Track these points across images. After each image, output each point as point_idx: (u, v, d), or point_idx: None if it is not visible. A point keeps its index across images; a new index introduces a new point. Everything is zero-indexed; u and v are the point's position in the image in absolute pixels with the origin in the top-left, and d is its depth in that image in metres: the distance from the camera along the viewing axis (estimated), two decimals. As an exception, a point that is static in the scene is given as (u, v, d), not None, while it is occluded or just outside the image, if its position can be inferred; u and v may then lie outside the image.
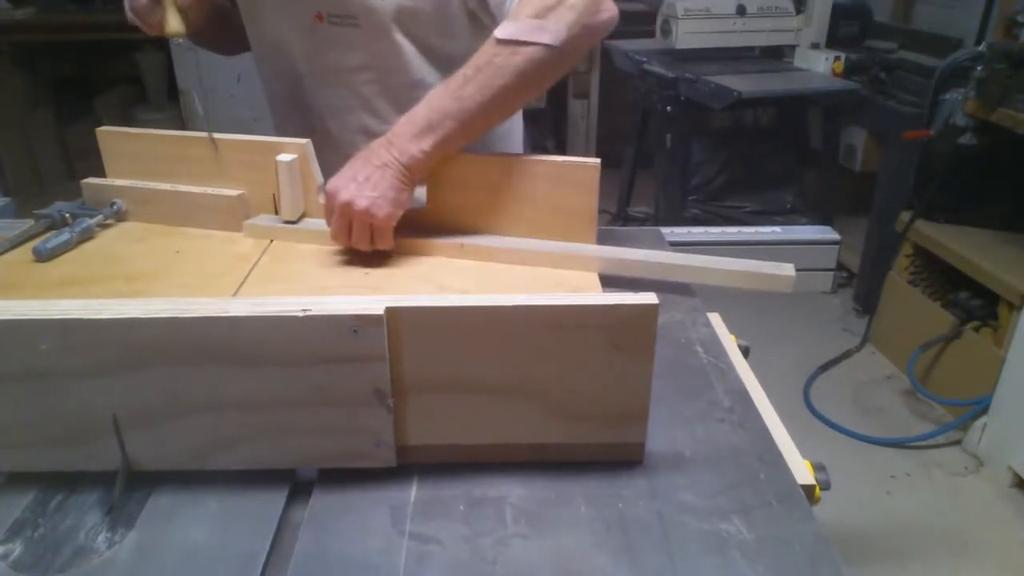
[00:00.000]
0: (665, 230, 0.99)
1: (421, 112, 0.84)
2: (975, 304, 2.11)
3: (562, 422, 0.58)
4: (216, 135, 0.92)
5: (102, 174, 0.98)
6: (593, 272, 0.85)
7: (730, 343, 0.79)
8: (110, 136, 0.96)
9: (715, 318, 0.83)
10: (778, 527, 0.52)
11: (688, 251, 0.96)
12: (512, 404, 0.57)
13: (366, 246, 0.85)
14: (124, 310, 0.52)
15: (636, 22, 3.08)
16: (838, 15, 2.66)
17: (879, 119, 2.48)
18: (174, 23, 0.87)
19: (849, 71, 2.53)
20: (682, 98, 2.57)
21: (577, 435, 0.59)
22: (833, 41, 2.68)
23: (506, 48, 0.81)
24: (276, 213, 0.93)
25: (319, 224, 0.90)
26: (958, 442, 2.03)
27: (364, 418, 0.56)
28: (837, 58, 2.52)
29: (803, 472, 0.59)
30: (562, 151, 3.24)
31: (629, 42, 2.93)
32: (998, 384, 1.90)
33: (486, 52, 0.83)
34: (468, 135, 0.85)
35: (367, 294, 0.74)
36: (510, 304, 0.53)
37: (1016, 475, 1.86)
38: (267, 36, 1.01)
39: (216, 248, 0.91)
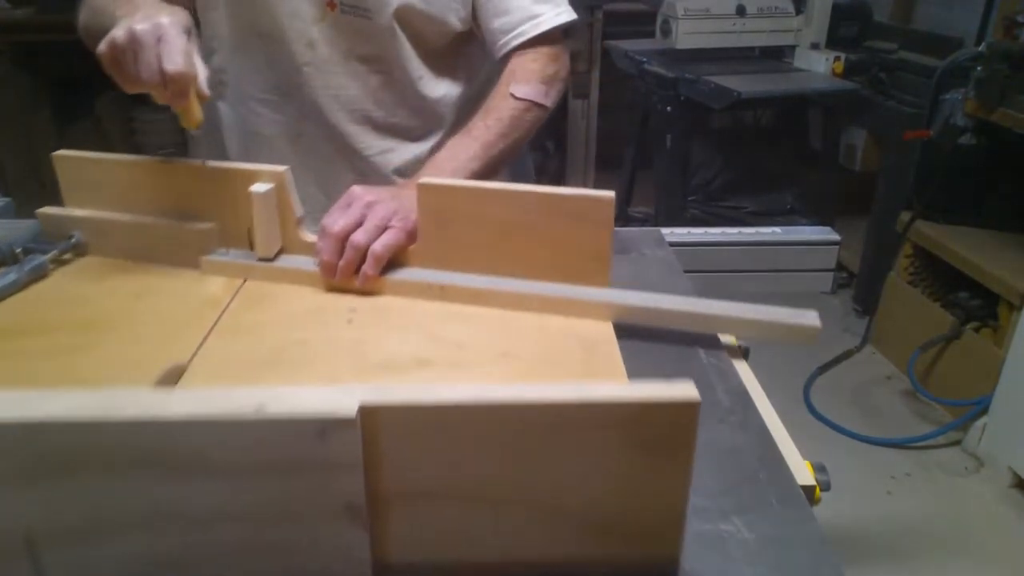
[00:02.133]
0: (665, 230, 0.99)
1: (446, 155, 0.89)
2: (975, 304, 2.11)
3: (574, 536, 0.46)
4: (192, 161, 0.84)
5: None
6: (606, 321, 0.75)
7: (730, 343, 0.79)
8: (67, 161, 0.86)
9: (715, 318, 0.82)
10: (778, 527, 0.52)
11: (688, 251, 0.96)
12: (514, 515, 0.46)
13: (352, 267, 0.77)
14: (32, 409, 0.40)
15: (636, 22, 3.08)
16: (838, 15, 2.66)
17: (879, 119, 2.48)
18: (199, 112, 0.78)
19: (849, 71, 2.53)
20: (682, 98, 2.57)
21: (592, 551, 0.47)
22: (833, 41, 2.68)
23: (522, 104, 0.94)
24: (252, 248, 0.83)
25: (299, 262, 0.82)
26: (958, 442, 2.03)
27: (333, 536, 0.45)
28: (837, 58, 2.52)
29: (803, 473, 0.59)
30: (562, 151, 3.24)
31: (629, 42, 2.93)
32: (998, 384, 1.90)
33: (507, 106, 0.94)
34: (486, 178, 0.88)
35: (347, 354, 0.69)
36: (514, 402, 0.42)
37: (1016, 475, 1.86)
38: (259, 25, 0.99)
39: (182, 289, 0.81)
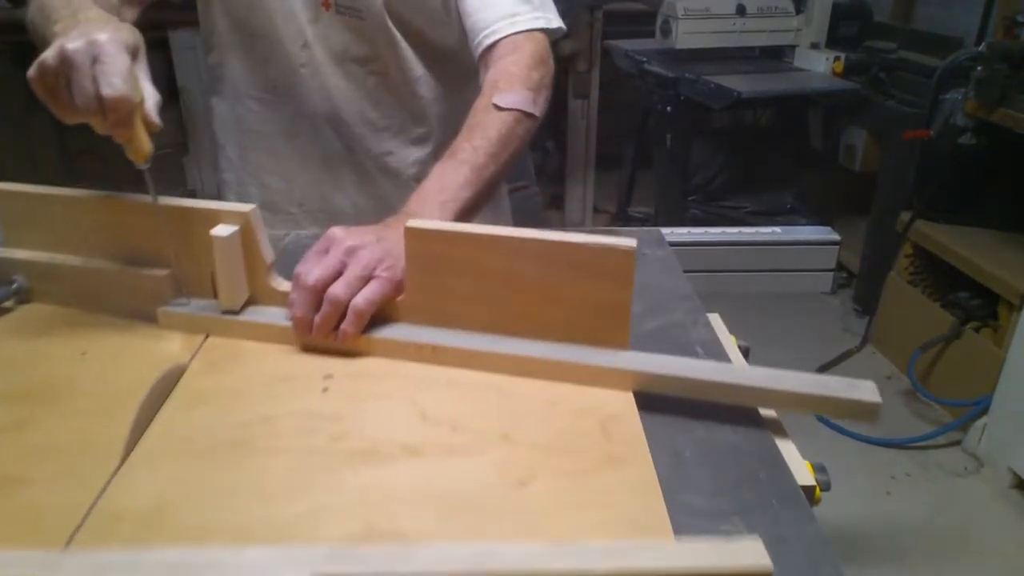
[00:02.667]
0: (665, 230, 0.99)
1: (433, 185, 0.78)
2: (975, 304, 2.11)
3: None
4: (140, 197, 0.71)
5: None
6: (626, 391, 0.64)
7: (730, 343, 0.79)
8: (11, 197, 0.75)
9: (715, 318, 0.83)
10: (778, 527, 0.52)
11: (688, 251, 0.96)
12: None
13: (330, 324, 0.67)
14: None
15: (636, 22, 3.08)
16: (838, 15, 2.66)
17: (879, 119, 2.48)
18: (146, 143, 0.66)
19: (849, 71, 2.53)
20: (682, 98, 2.57)
21: None
22: (833, 41, 2.68)
23: (509, 116, 0.84)
24: (216, 297, 0.72)
25: (269, 315, 0.71)
26: (958, 442, 2.03)
27: None
28: (837, 58, 2.52)
29: (803, 473, 0.59)
30: (562, 151, 3.24)
31: (629, 42, 2.93)
32: (998, 384, 1.90)
33: (493, 121, 0.84)
34: (480, 206, 0.81)
35: (320, 436, 0.58)
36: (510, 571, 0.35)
37: (1016, 475, 1.86)
38: (253, 25, 0.98)
39: (135, 347, 0.70)
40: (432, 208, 0.75)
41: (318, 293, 0.66)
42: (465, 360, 0.67)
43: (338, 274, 0.66)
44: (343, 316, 0.66)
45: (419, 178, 0.79)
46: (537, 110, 0.87)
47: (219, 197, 1.17)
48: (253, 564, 0.34)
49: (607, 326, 0.65)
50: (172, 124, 3.59)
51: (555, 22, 0.95)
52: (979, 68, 2.02)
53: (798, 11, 2.68)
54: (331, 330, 0.67)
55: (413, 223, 0.66)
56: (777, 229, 1.01)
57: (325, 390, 0.64)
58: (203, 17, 1.02)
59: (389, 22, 0.96)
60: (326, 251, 0.68)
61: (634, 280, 0.63)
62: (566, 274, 0.64)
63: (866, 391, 0.60)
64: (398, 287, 0.68)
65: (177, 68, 3.39)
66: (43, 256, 0.76)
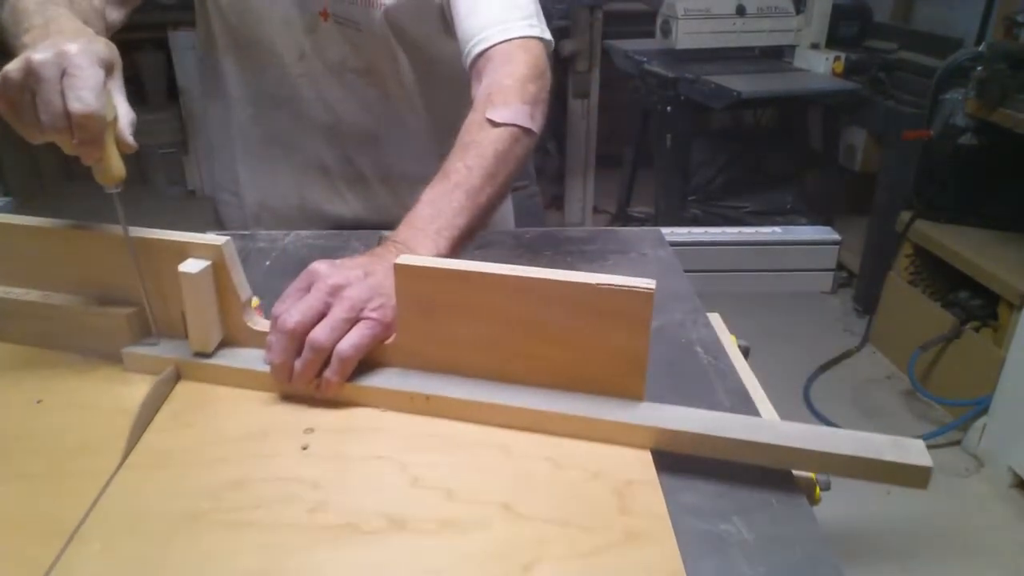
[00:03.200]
0: (665, 230, 0.99)
1: (426, 212, 0.71)
2: (975, 304, 2.11)
3: None
4: (104, 227, 0.65)
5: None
6: (643, 449, 0.57)
7: (730, 343, 0.79)
8: None
9: (715, 318, 0.83)
10: (778, 527, 0.52)
11: (688, 251, 0.96)
12: None
13: (311, 372, 0.60)
14: None
15: (636, 22, 3.08)
16: (838, 15, 2.66)
17: (879, 119, 2.48)
18: (118, 166, 0.61)
19: (849, 71, 2.53)
20: (682, 98, 2.57)
21: None
22: (833, 41, 2.68)
23: (504, 132, 0.77)
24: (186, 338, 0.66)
25: (245, 358, 0.64)
26: (958, 442, 2.03)
27: None
28: (837, 58, 2.52)
29: (803, 473, 0.59)
30: (562, 151, 3.24)
31: (629, 42, 2.93)
32: (998, 384, 1.90)
33: (487, 138, 0.77)
34: (476, 232, 0.75)
35: (297, 507, 0.52)
36: None
37: (1016, 475, 1.86)
38: (249, 32, 0.97)
39: (96, 393, 0.64)
40: (425, 238, 0.68)
41: (298, 338, 0.59)
42: (462, 412, 0.60)
43: (321, 315, 0.60)
44: (327, 362, 0.60)
45: (420, 189, 0.74)
46: (535, 125, 0.80)
47: (213, 199, 1.17)
48: None
49: (621, 375, 0.59)
50: (172, 124, 3.59)
51: (545, 34, 0.88)
52: (979, 68, 2.02)
53: (798, 11, 2.68)
54: (313, 378, 0.60)
55: (404, 260, 0.59)
56: (777, 229, 1.01)
57: (305, 448, 0.57)
58: (200, 21, 1.01)
59: (389, 33, 0.94)
60: (308, 288, 0.62)
61: (650, 323, 0.56)
62: (575, 317, 0.57)
63: (915, 453, 0.54)
64: (388, 329, 0.62)
65: (177, 68, 3.39)
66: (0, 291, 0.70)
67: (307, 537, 0.50)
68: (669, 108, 2.62)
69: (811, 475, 0.59)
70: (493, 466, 0.56)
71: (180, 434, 0.60)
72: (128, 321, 0.66)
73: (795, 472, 0.57)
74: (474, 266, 0.59)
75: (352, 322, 0.60)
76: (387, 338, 0.62)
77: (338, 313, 0.60)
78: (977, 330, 2.08)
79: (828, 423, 2.07)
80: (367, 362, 0.62)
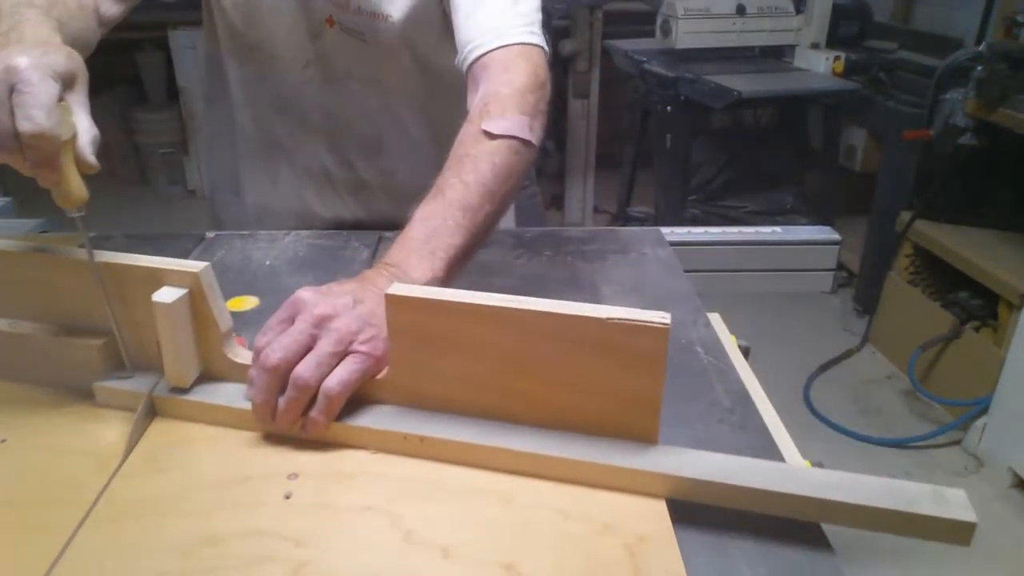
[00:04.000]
0: (665, 230, 0.99)
1: (420, 231, 0.66)
2: (975, 304, 2.11)
3: None
4: (75, 253, 0.60)
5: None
6: (658, 499, 0.52)
7: (730, 343, 0.79)
8: None
9: (715, 318, 0.83)
10: (778, 527, 0.52)
11: (688, 251, 0.96)
12: None
13: (296, 411, 0.55)
14: None
15: (636, 22, 3.08)
16: (838, 15, 2.66)
17: (879, 119, 2.48)
18: (79, 188, 0.56)
19: (849, 71, 2.53)
20: (682, 98, 2.57)
21: None
22: (833, 41, 2.68)
23: (502, 145, 0.73)
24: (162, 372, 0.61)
25: (225, 394, 0.60)
26: (958, 442, 2.03)
27: None
28: (837, 58, 2.52)
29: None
30: (562, 151, 3.24)
31: (629, 42, 2.93)
32: (998, 384, 1.90)
33: (484, 151, 0.72)
34: (474, 250, 0.70)
35: (276, 563, 0.47)
36: None
37: (1016, 475, 1.86)
38: (252, 37, 0.96)
39: (64, 432, 0.59)
40: (419, 260, 0.63)
41: (282, 374, 0.55)
42: (459, 455, 0.55)
43: (307, 349, 0.55)
44: (313, 400, 0.55)
45: (422, 196, 0.70)
46: (534, 137, 0.75)
47: (211, 201, 1.17)
48: None
49: (633, 416, 0.54)
50: (172, 124, 3.59)
51: (543, 43, 0.85)
52: (979, 68, 2.02)
53: (798, 11, 2.68)
54: (297, 417, 0.56)
55: (395, 289, 0.54)
56: (777, 229, 1.01)
57: (288, 496, 0.52)
58: (206, 22, 1.01)
59: (394, 44, 0.93)
60: (292, 319, 0.57)
61: (665, 361, 0.51)
62: (582, 353, 0.52)
63: (958, 506, 0.49)
64: (379, 363, 0.57)
65: (177, 68, 3.39)
66: None
67: None
68: (669, 108, 2.62)
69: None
70: (493, 518, 0.51)
71: (153, 480, 0.54)
72: (99, 352, 0.61)
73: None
74: (471, 297, 0.53)
75: (340, 356, 0.56)
76: (378, 372, 0.58)
77: (325, 347, 0.55)
78: (977, 330, 2.08)
79: (828, 423, 2.07)
80: (356, 399, 0.57)
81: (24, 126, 0.51)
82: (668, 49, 2.68)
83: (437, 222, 0.67)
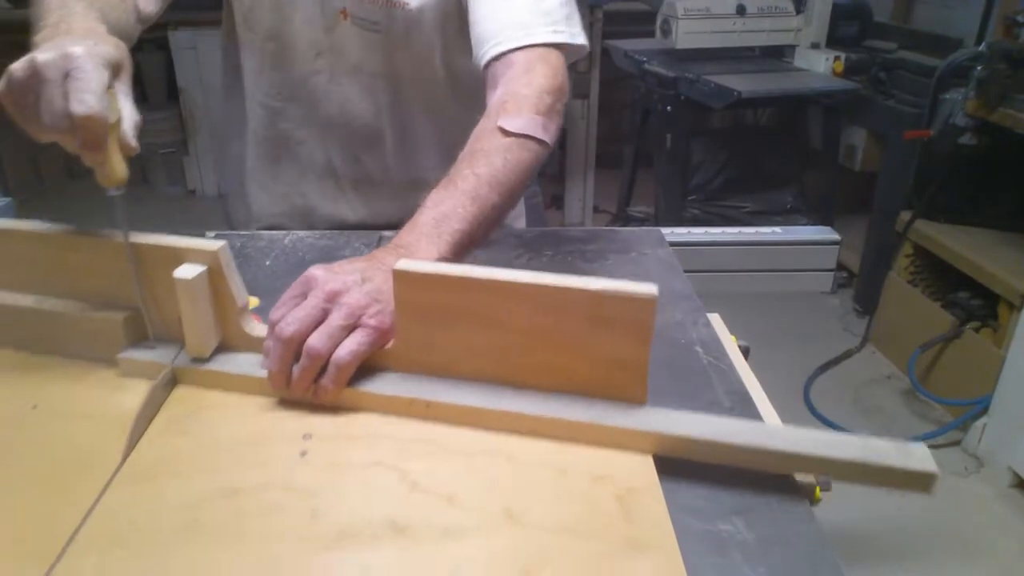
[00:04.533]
0: (665, 230, 0.99)
1: (429, 216, 0.69)
2: (975, 304, 2.11)
3: None
4: (111, 233, 0.64)
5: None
6: (646, 454, 0.57)
7: (730, 343, 0.79)
8: None
9: (715, 318, 0.83)
10: (778, 527, 0.52)
11: (688, 251, 0.96)
12: None
13: (308, 379, 0.60)
14: None
15: (636, 22, 3.08)
16: (838, 15, 2.66)
17: (879, 119, 2.48)
18: (121, 168, 0.61)
19: (849, 71, 2.53)
20: (682, 98, 2.57)
21: None
22: (833, 41, 2.68)
23: (515, 141, 0.76)
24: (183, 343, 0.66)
25: (242, 364, 0.64)
26: (958, 442, 2.04)
27: None
28: (837, 58, 2.52)
29: (806, 477, 0.59)
30: (562, 151, 3.24)
31: (629, 42, 2.93)
32: (998, 384, 1.90)
33: (497, 146, 0.75)
34: (480, 239, 0.73)
35: (294, 515, 0.51)
36: None
37: (1016, 475, 1.86)
38: (269, 26, 0.97)
39: (91, 399, 0.63)
40: (428, 242, 0.67)
41: (295, 345, 0.59)
42: (463, 418, 0.59)
43: (318, 322, 0.59)
44: (324, 368, 0.59)
45: (426, 194, 0.73)
46: (548, 137, 0.78)
47: (224, 200, 1.17)
48: None
49: (623, 380, 0.58)
50: (172, 124, 3.59)
51: (579, 38, 0.85)
52: (979, 68, 2.02)
53: (798, 11, 2.68)
54: (310, 385, 0.60)
55: (402, 265, 0.58)
56: (777, 229, 1.01)
57: (303, 454, 0.57)
58: (225, 13, 1.02)
59: (409, 36, 0.94)
60: (304, 295, 0.61)
61: (652, 328, 0.55)
62: (577, 323, 0.57)
63: (919, 458, 0.54)
64: (386, 335, 0.61)
65: (177, 68, 3.39)
66: None
67: (305, 545, 0.49)
68: (669, 108, 2.62)
69: (811, 476, 0.59)
70: (495, 472, 0.55)
71: (176, 442, 0.59)
72: (124, 325, 0.65)
73: (797, 476, 0.57)
74: (473, 272, 0.57)
75: (349, 329, 0.59)
76: (385, 344, 0.62)
77: (335, 320, 0.59)
78: (977, 330, 2.08)
79: (828, 423, 2.07)
80: (366, 367, 0.61)
81: (77, 108, 0.56)
82: (668, 49, 2.67)
83: (447, 208, 0.70)
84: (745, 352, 0.80)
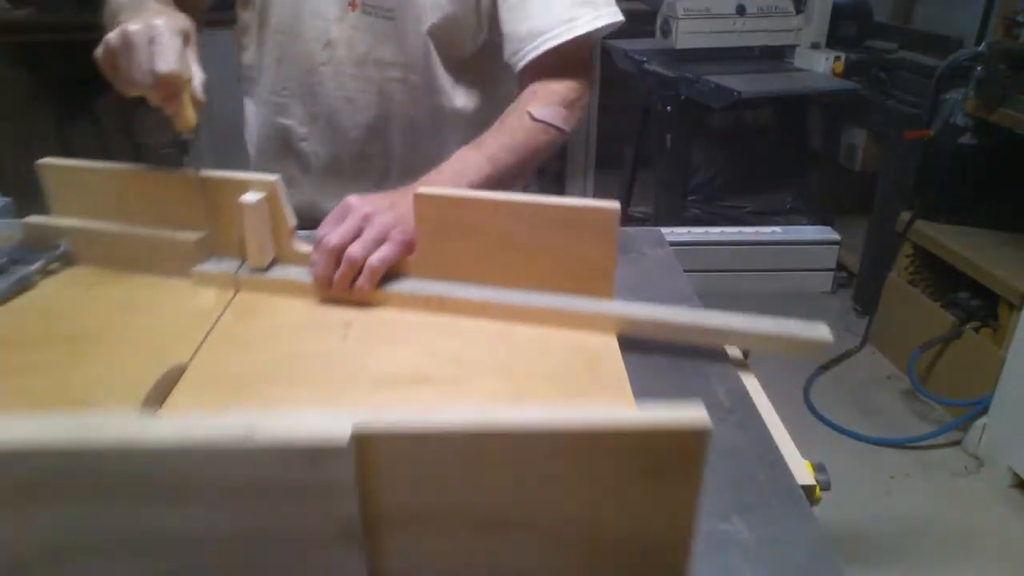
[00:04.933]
0: (665, 230, 0.99)
1: (451, 166, 0.84)
2: (975, 304, 2.11)
3: (579, 563, 0.45)
4: (185, 170, 0.81)
5: None
6: (611, 334, 0.72)
7: (737, 356, 0.78)
8: (54, 170, 0.85)
9: (715, 318, 0.82)
10: (778, 527, 0.52)
11: (688, 251, 0.96)
12: (520, 541, 0.44)
13: (347, 281, 0.75)
14: (20, 434, 0.39)
15: (636, 22, 3.07)
16: (838, 15, 2.66)
17: (879, 119, 2.48)
18: (192, 116, 0.77)
19: (849, 71, 2.53)
20: (682, 98, 2.57)
21: None
22: (833, 41, 2.68)
23: (538, 126, 0.90)
24: (244, 258, 0.81)
25: (292, 273, 0.80)
26: (958, 442, 2.04)
27: (327, 560, 0.43)
28: (837, 58, 2.52)
29: (803, 472, 0.59)
30: (562, 151, 3.24)
31: (629, 42, 2.93)
32: (998, 384, 1.90)
33: (522, 125, 0.89)
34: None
35: (342, 369, 0.66)
36: (513, 428, 0.40)
37: (1016, 475, 1.86)
38: (279, 21, 0.99)
39: (172, 301, 0.78)
40: (447, 183, 0.81)
41: (337, 254, 0.74)
42: (468, 309, 0.75)
43: (355, 237, 0.74)
44: (359, 273, 0.74)
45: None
46: (568, 126, 0.92)
47: None
48: (300, 419, 0.40)
49: (594, 278, 0.74)
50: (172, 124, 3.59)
51: (617, 15, 0.94)
52: (979, 68, 2.02)
53: (798, 11, 2.68)
54: (349, 285, 0.75)
55: (423, 190, 0.74)
56: (777, 229, 1.01)
57: (345, 335, 0.72)
58: (239, 19, 1.04)
59: (421, 26, 0.95)
60: (343, 217, 0.76)
61: (617, 237, 0.71)
62: (558, 233, 0.72)
63: (819, 331, 0.70)
64: (409, 247, 0.76)
65: (177, 68, 3.39)
66: (86, 223, 0.84)
67: (355, 387, 0.65)
68: (669, 108, 2.62)
69: (811, 475, 0.59)
70: (493, 345, 0.71)
71: (244, 325, 0.74)
72: (196, 245, 0.81)
73: (795, 474, 0.57)
74: (477, 194, 0.75)
75: (380, 241, 0.74)
76: (408, 255, 0.77)
77: (369, 234, 0.74)
78: (977, 330, 2.08)
79: (828, 423, 2.07)
80: (393, 274, 0.77)
81: (160, 67, 0.70)
82: (668, 49, 2.67)
83: (469, 163, 0.85)
84: (745, 352, 0.80)
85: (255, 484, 0.41)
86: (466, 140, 0.89)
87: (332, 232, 0.74)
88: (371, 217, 0.75)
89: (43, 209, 0.93)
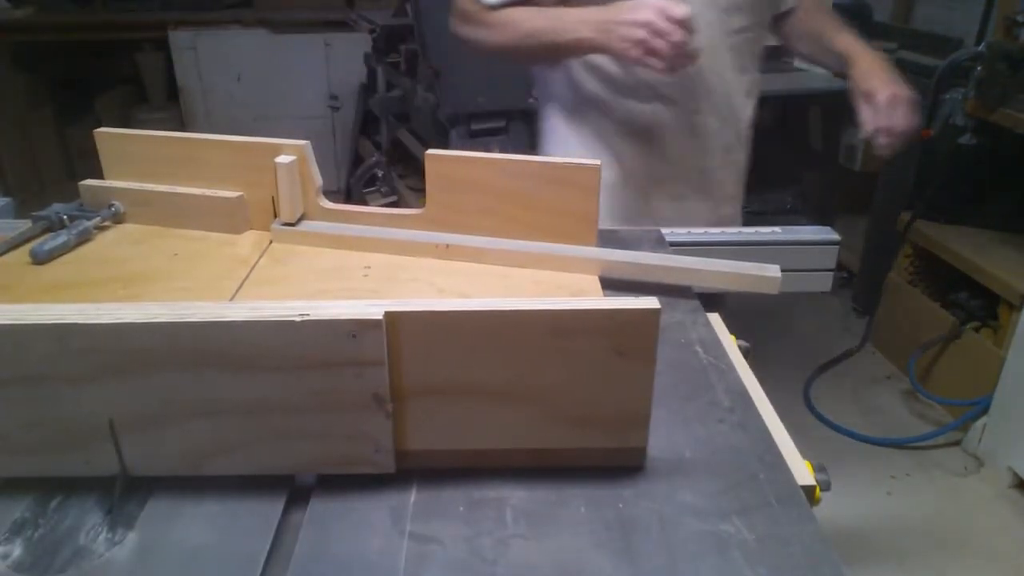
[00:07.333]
0: (665, 230, 0.99)
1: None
2: (975, 304, 2.11)
3: (563, 427, 0.57)
4: (215, 137, 0.92)
5: (101, 175, 0.99)
6: (593, 275, 0.84)
7: (730, 343, 0.79)
8: (108, 138, 0.95)
9: (715, 318, 0.83)
10: (778, 527, 0.52)
11: (688, 252, 0.96)
12: (512, 408, 0.57)
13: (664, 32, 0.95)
14: (121, 315, 0.52)
15: (636, 22, 3.07)
16: (838, 15, 2.65)
17: (879, 119, 2.47)
18: None
19: (849, 71, 2.52)
20: (682, 98, 2.56)
21: (578, 440, 0.58)
22: (833, 41, 2.67)
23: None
24: (275, 215, 0.92)
25: (319, 227, 0.91)
26: (958, 442, 2.04)
27: (363, 423, 0.56)
28: (837, 58, 2.52)
29: (803, 472, 0.59)
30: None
31: (629, 42, 2.92)
32: (998, 384, 1.90)
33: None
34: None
35: (366, 297, 0.73)
36: (510, 308, 0.53)
37: (1016, 475, 1.86)
38: None
39: (214, 250, 0.90)
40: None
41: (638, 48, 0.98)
42: (472, 255, 0.87)
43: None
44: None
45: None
46: None
47: None
48: (345, 304, 0.53)
49: (579, 228, 0.86)
50: (172, 124, 3.59)
51: None
52: (979, 68, 2.02)
53: (798, 11, 2.67)
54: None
55: (432, 152, 0.86)
56: (777, 229, 1.01)
57: (365, 276, 0.84)
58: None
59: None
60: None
61: (599, 190, 0.84)
62: (547, 187, 0.85)
63: (770, 270, 0.81)
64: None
65: (177, 68, 3.39)
66: (135, 185, 0.95)
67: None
68: (669, 108, 2.62)
69: (811, 475, 0.59)
70: (491, 282, 0.84)
71: (278, 269, 0.86)
72: (236, 203, 0.92)
73: (795, 474, 0.57)
74: (481, 155, 0.87)
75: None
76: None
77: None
78: (977, 330, 2.08)
79: (828, 423, 2.07)
80: (405, 224, 0.90)
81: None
82: (668, 49, 2.67)
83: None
84: (745, 352, 0.80)
85: (309, 356, 0.53)
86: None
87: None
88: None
89: (43, 209, 0.94)
